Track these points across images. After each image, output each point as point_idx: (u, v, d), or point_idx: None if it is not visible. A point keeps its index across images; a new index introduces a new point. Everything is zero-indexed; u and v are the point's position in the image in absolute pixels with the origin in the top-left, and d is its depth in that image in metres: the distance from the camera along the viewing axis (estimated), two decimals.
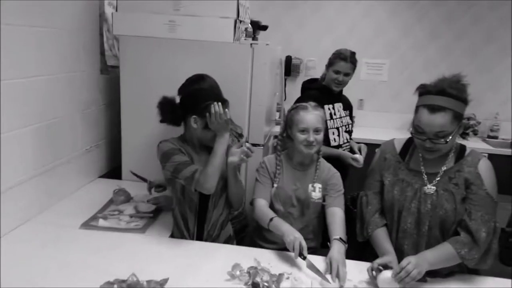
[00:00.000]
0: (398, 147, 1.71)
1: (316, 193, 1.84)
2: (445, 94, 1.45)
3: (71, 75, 2.16)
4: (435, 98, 1.47)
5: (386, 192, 1.66)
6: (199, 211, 1.79)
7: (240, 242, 2.00)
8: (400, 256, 1.60)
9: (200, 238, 1.82)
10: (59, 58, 2.04)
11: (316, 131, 1.81)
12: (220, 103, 1.63)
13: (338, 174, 1.94)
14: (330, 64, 2.63)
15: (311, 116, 1.81)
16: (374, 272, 1.51)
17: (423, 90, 1.52)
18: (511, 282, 1.60)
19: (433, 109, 1.46)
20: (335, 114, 2.65)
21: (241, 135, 2.16)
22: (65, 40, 2.08)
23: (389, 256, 1.54)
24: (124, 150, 2.51)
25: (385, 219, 1.69)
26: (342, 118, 2.70)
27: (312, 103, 1.88)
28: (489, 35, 4.06)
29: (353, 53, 2.63)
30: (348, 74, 2.60)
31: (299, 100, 2.72)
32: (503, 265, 1.89)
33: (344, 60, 2.56)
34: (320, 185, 1.86)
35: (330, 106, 2.64)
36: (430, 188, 1.57)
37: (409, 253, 1.59)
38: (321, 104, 2.61)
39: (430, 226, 1.57)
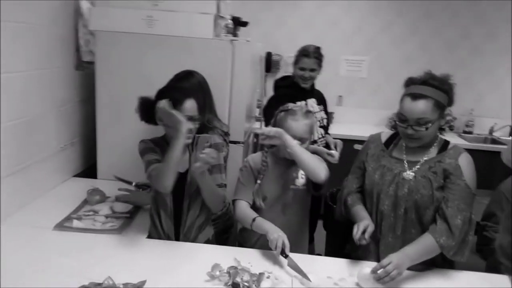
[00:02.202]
0: (384, 138, 1.79)
1: (299, 180, 1.83)
2: (427, 84, 1.56)
3: (45, 72, 2.08)
4: (418, 87, 1.57)
5: (368, 176, 1.72)
6: (174, 213, 1.76)
7: (224, 243, 1.95)
8: (379, 238, 1.67)
9: (177, 240, 1.78)
10: (32, 54, 1.96)
11: (302, 141, 1.78)
12: (167, 99, 1.60)
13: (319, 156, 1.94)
14: (295, 61, 2.65)
15: (299, 125, 1.77)
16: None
17: (408, 82, 1.64)
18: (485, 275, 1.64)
19: (415, 96, 1.55)
20: None
21: (227, 134, 2.10)
22: (39, 36, 2.01)
23: (365, 221, 1.61)
24: (100, 148, 2.45)
25: (362, 201, 1.76)
26: (316, 113, 2.70)
27: (304, 108, 1.84)
28: (465, 32, 4.14)
29: (317, 48, 2.64)
30: (313, 70, 2.61)
31: (272, 99, 2.72)
32: (477, 258, 1.93)
33: (307, 57, 2.58)
34: (303, 172, 1.83)
35: (303, 102, 2.64)
36: (408, 174, 1.63)
37: (386, 234, 1.66)
38: (293, 101, 2.62)
39: (406, 210, 1.62)
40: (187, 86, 1.94)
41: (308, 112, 1.85)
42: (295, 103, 2.59)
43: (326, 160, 2.48)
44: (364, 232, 1.56)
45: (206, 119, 2.00)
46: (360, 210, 1.72)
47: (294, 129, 1.76)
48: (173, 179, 1.58)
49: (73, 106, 2.40)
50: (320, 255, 2.84)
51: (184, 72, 2.02)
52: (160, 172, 1.57)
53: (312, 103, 2.69)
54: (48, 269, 1.48)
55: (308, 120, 1.82)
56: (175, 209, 1.75)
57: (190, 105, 1.65)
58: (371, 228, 1.59)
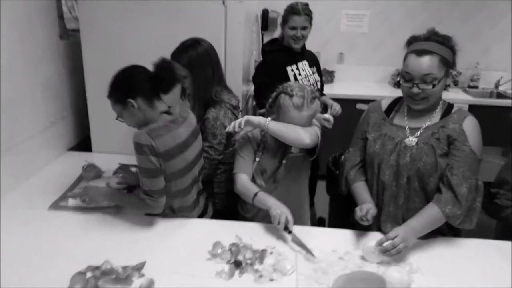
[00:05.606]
0: (385, 106, 1.71)
1: (295, 148, 1.78)
2: (431, 40, 1.50)
3: (26, 44, 1.96)
4: (422, 43, 1.51)
5: (369, 147, 1.66)
6: None
7: (235, 217, 1.89)
8: (381, 207, 1.63)
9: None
10: (10, 26, 1.82)
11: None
12: None
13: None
14: (284, 21, 2.49)
15: (303, 117, 1.66)
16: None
17: (411, 40, 1.56)
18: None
19: (420, 52, 1.48)
20: (299, 74, 2.53)
21: (235, 107, 1.97)
22: (14, 6, 1.86)
23: (368, 204, 1.56)
24: (92, 120, 2.37)
25: (365, 174, 1.70)
26: (309, 76, 2.58)
27: (310, 94, 1.67)
28: None
29: (305, 5, 2.49)
30: (305, 28, 2.48)
31: (260, 66, 2.58)
32: (485, 219, 1.89)
33: (297, 14, 2.43)
34: None
35: (294, 66, 2.52)
36: (411, 141, 1.55)
37: (387, 204, 1.61)
38: (283, 65, 2.49)
39: (408, 178, 1.56)
40: (193, 55, 1.84)
41: (314, 98, 1.70)
42: (286, 69, 2.48)
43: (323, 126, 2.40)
44: (366, 214, 1.50)
45: (214, 92, 1.89)
46: (361, 190, 1.65)
47: (296, 120, 1.66)
48: None
49: (60, 78, 2.29)
50: (324, 219, 2.85)
51: (190, 40, 1.88)
52: None
53: (303, 66, 2.56)
54: (43, 253, 1.44)
55: (314, 106, 1.69)
56: None
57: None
58: (373, 211, 1.53)
